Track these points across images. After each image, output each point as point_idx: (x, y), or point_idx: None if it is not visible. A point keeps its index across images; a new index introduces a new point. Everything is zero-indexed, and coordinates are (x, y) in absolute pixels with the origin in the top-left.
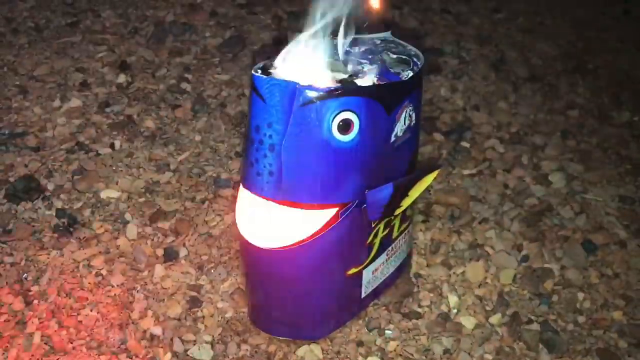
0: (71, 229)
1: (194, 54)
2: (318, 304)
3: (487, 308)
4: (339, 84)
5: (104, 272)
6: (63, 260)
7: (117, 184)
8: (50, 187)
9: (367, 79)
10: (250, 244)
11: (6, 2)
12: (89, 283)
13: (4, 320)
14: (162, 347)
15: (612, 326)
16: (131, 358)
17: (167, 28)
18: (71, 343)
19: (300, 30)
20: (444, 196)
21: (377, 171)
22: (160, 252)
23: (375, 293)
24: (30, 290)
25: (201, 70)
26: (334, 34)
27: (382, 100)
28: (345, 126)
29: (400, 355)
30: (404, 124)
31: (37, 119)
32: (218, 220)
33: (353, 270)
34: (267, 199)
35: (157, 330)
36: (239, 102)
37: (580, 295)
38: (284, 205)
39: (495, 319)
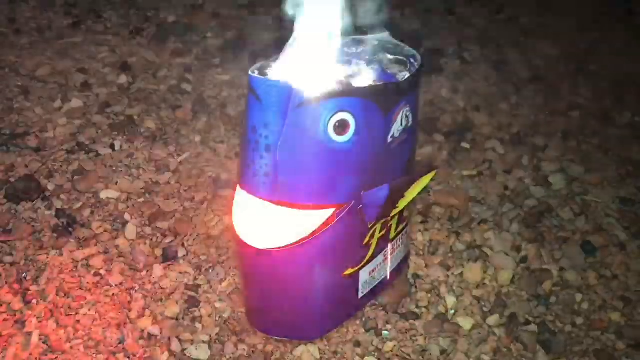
0: (70, 229)
1: (195, 54)
2: (314, 304)
3: (485, 309)
4: (335, 85)
5: (102, 272)
6: (62, 260)
7: (116, 184)
8: (51, 187)
9: (364, 80)
10: (246, 244)
11: (9, 2)
12: (88, 283)
13: (3, 319)
14: (159, 347)
15: (610, 327)
16: (129, 357)
17: (169, 29)
18: (69, 342)
19: (297, 32)
20: (443, 197)
21: (374, 172)
22: (159, 252)
23: (373, 293)
24: (29, 290)
25: (202, 70)
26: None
27: (378, 101)
28: (341, 127)
29: (397, 355)
30: (401, 124)
31: (38, 119)
32: (217, 221)
33: (350, 271)
34: (263, 200)
35: (154, 330)
36: (239, 103)
37: (579, 297)
38: (280, 205)
39: (492, 320)
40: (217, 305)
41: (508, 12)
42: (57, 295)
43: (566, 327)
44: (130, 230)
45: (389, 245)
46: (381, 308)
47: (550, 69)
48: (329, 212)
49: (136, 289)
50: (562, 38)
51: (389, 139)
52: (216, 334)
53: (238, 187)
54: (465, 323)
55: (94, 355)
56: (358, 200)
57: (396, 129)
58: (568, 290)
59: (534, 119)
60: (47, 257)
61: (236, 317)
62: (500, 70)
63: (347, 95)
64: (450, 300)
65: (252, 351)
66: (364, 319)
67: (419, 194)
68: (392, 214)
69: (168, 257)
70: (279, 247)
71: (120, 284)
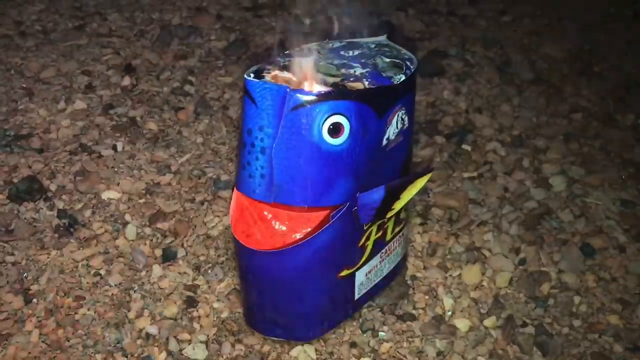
0: (71, 229)
1: (198, 56)
2: (311, 305)
3: (482, 311)
4: (329, 88)
5: (102, 272)
6: (63, 260)
7: (118, 185)
8: (53, 188)
9: (358, 83)
10: (243, 245)
11: (15, 5)
12: (87, 283)
13: (4, 318)
14: (157, 346)
15: (608, 330)
16: (126, 357)
17: (173, 31)
18: (68, 341)
19: (295, 34)
20: (442, 199)
21: (369, 174)
22: (158, 252)
23: (370, 295)
24: (29, 289)
25: (205, 73)
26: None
27: (372, 103)
28: (335, 129)
29: (393, 357)
30: (397, 127)
31: (42, 120)
32: (217, 222)
33: (345, 272)
34: (259, 201)
35: (152, 330)
36: (241, 105)
37: (577, 299)
38: (275, 207)
39: (489, 321)
40: (215, 305)
41: (512, 14)
42: (57, 294)
43: (563, 330)
44: (131, 231)
45: (386, 247)
46: (378, 309)
47: (553, 71)
48: (324, 214)
49: (135, 289)
50: (567, 40)
51: (384, 142)
52: (214, 334)
53: (235, 189)
54: (462, 325)
55: (92, 355)
56: (353, 202)
57: (391, 131)
58: (566, 292)
59: (536, 120)
60: (48, 257)
61: (234, 318)
62: (503, 71)
63: (341, 98)
64: (448, 301)
65: (249, 351)
66: (360, 320)
67: (416, 195)
68: (388, 215)
69: (167, 258)
70: (275, 249)
71: (120, 284)
